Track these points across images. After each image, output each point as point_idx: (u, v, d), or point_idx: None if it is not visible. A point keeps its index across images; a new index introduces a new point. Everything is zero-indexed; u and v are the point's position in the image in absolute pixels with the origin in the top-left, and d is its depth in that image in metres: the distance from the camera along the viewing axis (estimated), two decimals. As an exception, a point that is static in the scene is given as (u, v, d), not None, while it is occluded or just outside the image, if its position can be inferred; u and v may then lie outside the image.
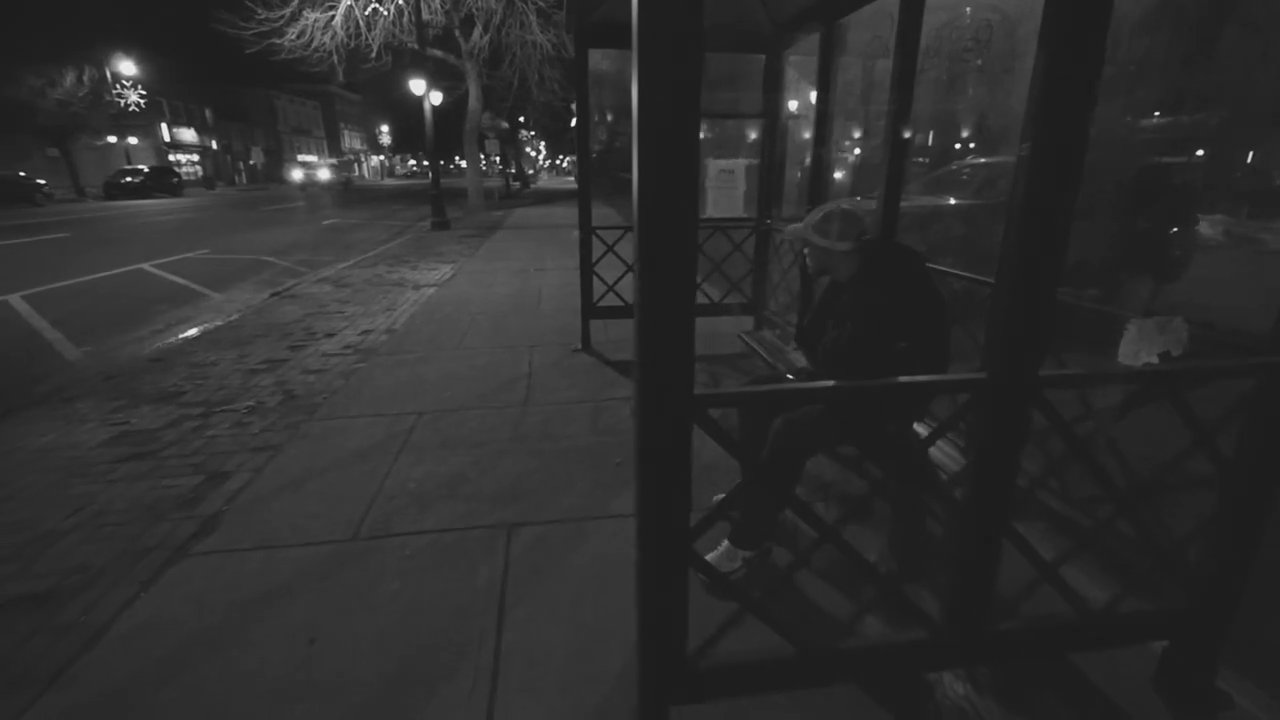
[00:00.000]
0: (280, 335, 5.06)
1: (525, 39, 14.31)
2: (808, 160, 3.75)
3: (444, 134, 19.55)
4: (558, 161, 72.16)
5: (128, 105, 32.03)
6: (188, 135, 41.73)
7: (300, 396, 3.69)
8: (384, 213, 19.34)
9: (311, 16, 12.73)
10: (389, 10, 13.16)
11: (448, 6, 13.17)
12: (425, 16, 12.61)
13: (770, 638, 1.32)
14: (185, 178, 34.86)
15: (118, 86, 31.55)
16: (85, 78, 29.12)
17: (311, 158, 54.74)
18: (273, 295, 6.68)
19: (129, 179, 27.77)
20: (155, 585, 2.04)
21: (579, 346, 4.57)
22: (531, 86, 15.85)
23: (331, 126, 62.67)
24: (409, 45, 13.35)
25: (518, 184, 31.03)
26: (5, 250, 10.82)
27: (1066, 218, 1.09)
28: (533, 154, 52.83)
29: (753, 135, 4.26)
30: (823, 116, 3.65)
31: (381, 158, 76.51)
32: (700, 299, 4.66)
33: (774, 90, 4.11)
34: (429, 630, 1.83)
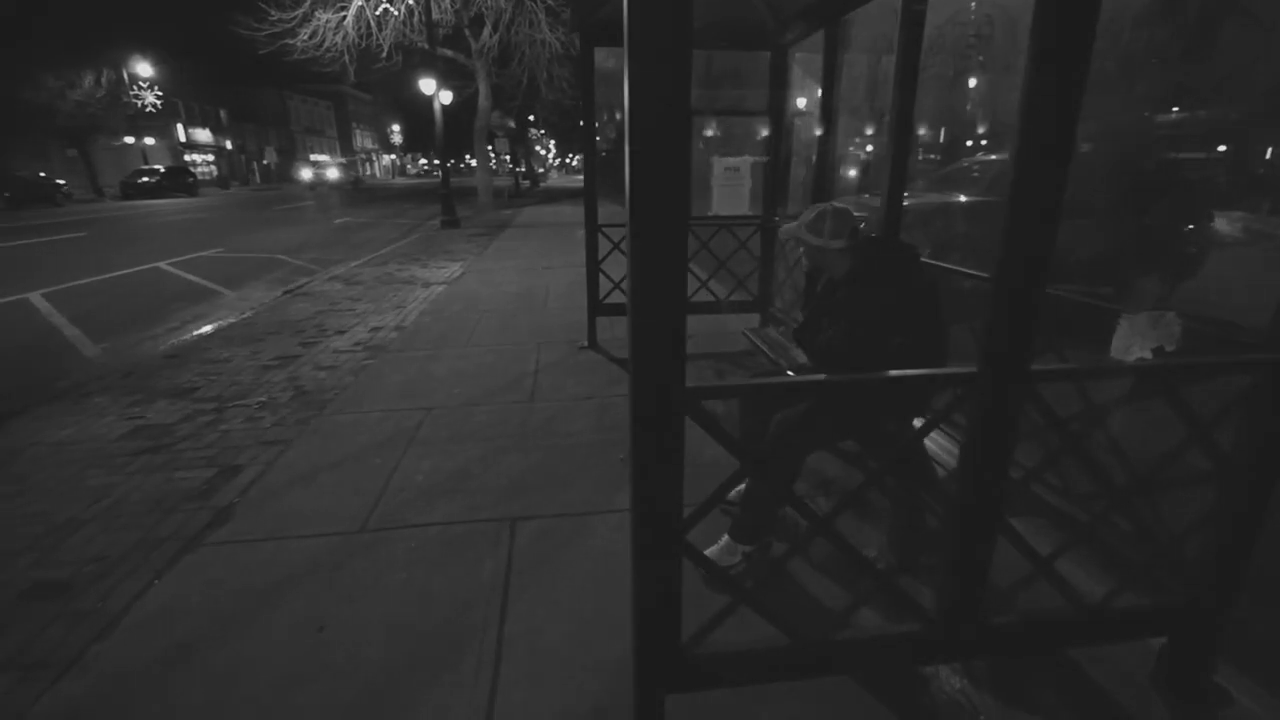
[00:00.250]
0: (292, 332, 5.14)
1: (534, 38, 14.38)
2: (814, 157, 3.75)
3: (454, 133, 19.66)
4: (567, 160, 72.29)
5: (144, 106, 32.48)
6: (203, 136, 42.25)
7: (311, 392, 3.75)
8: (394, 211, 19.50)
9: (323, 17, 12.85)
10: (400, 10, 13.27)
11: (457, 6, 13.25)
12: (435, 16, 12.70)
13: (768, 630, 1.35)
14: (200, 177, 35.31)
15: (135, 88, 32.01)
16: (103, 79, 29.58)
17: (324, 157, 55.20)
18: (285, 293, 6.78)
19: (145, 179, 28.20)
20: (170, 574, 2.10)
21: (585, 343, 4.60)
22: (540, 85, 15.92)
23: (344, 126, 63.17)
24: (419, 45, 13.46)
25: (527, 182, 31.15)
26: (26, 249, 11.04)
27: (1057, 214, 1.10)
28: (542, 152, 52.98)
29: (764, 132, 4.25)
30: (828, 113, 3.65)
31: (393, 157, 77.03)
32: (706, 296, 4.68)
33: (779, 87, 4.11)
34: (434, 619, 1.87)
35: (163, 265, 9.04)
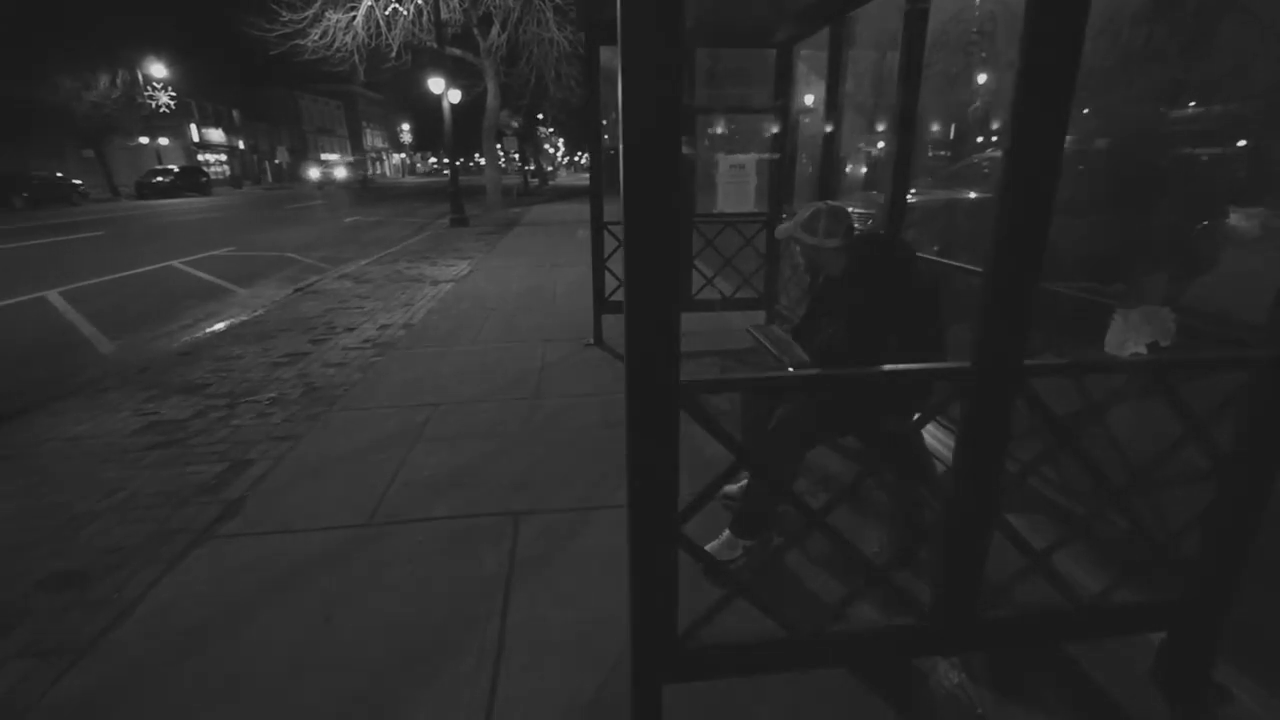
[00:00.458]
0: (302, 330, 5.20)
1: (542, 36, 14.40)
2: (820, 154, 3.75)
3: (463, 132, 19.74)
4: (576, 158, 72.33)
5: (158, 107, 32.89)
6: (216, 135, 42.72)
7: (320, 389, 3.81)
8: (404, 210, 19.63)
9: (333, 17, 12.95)
10: (409, 10, 13.33)
11: (466, 5, 13.29)
12: (444, 15, 12.76)
13: (766, 623, 1.36)
14: (213, 177, 35.68)
15: (149, 88, 32.41)
16: (118, 80, 29.97)
17: (334, 156, 55.64)
18: (295, 291, 6.86)
19: (160, 179, 28.58)
20: (182, 565, 2.15)
21: (591, 341, 4.63)
22: (549, 83, 15.94)
23: (354, 125, 63.60)
24: (428, 44, 13.52)
25: (536, 181, 31.22)
26: (44, 248, 11.23)
27: (1048, 210, 1.11)
28: (551, 151, 53.04)
29: (770, 130, 4.25)
30: (833, 111, 3.65)
31: (403, 155, 77.45)
32: (712, 294, 4.69)
33: (785, 85, 4.11)
34: (438, 611, 1.90)
35: (176, 264, 9.17)
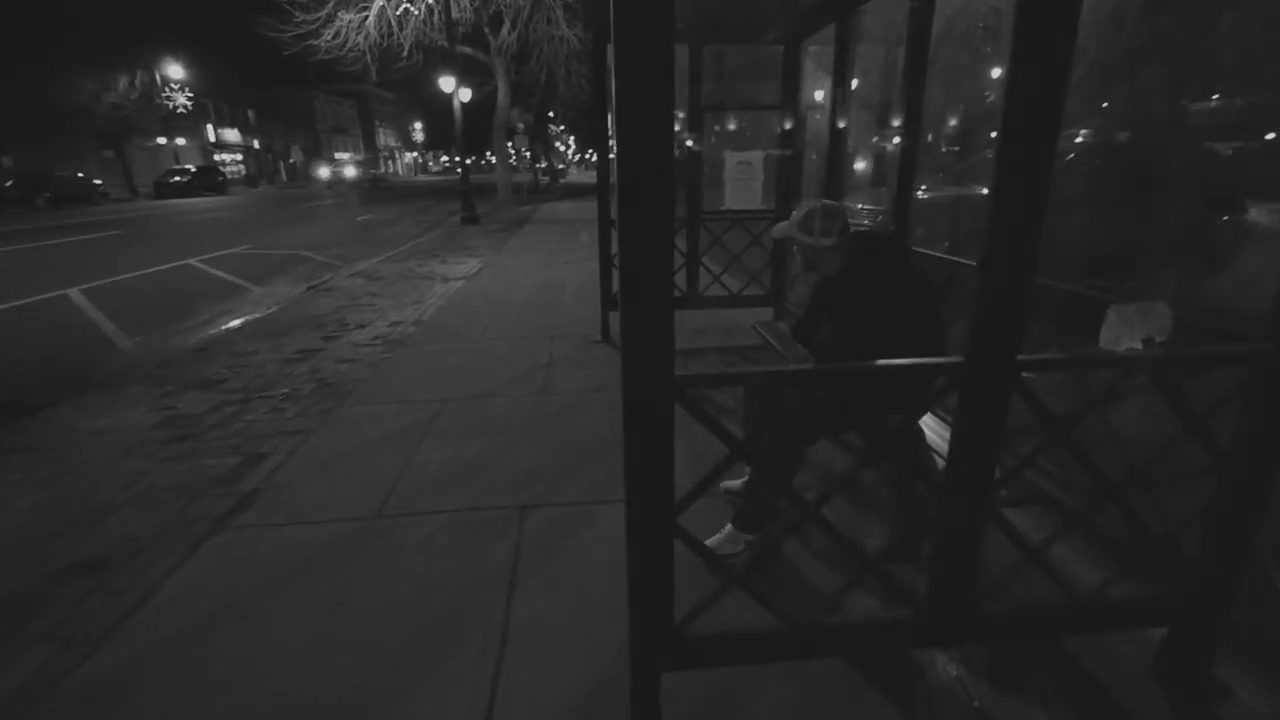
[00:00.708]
0: (315, 327, 5.29)
1: (552, 34, 14.44)
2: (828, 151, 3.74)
3: (474, 130, 19.88)
4: (587, 155, 72.34)
5: (176, 107, 33.37)
6: (232, 135, 43.26)
7: (332, 384, 3.87)
8: (416, 208, 19.79)
9: (346, 18, 13.07)
10: (420, 9, 13.42)
11: (476, 4, 13.37)
12: (455, 14, 12.84)
13: (766, 615, 1.39)
14: (229, 176, 36.19)
15: (167, 89, 32.89)
16: (137, 81, 30.46)
17: (348, 155, 56.11)
18: (309, 289, 6.96)
19: (177, 178, 29.07)
20: (197, 554, 2.21)
21: (599, 338, 4.66)
22: (559, 81, 15.99)
23: (367, 124, 64.12)
24: (439, 43, 13.60)
25: (546, 178, 31.31)
26: (65, 247, 11.48)
27: (1042, 205, 1.11)
28: (562, 148, 53.12)
29: (779, 127, 4.24)
30: (840, 107, 3.64)
31: (415, 154, 77.94)
32: (719, 291, 4.70)
33: (792, 81, 4.10)
34: (444, 601, 1.95)
35: (193, 262, 9.33)
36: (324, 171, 45.07)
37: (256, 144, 46.40)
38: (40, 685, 1.67)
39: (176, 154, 36.02)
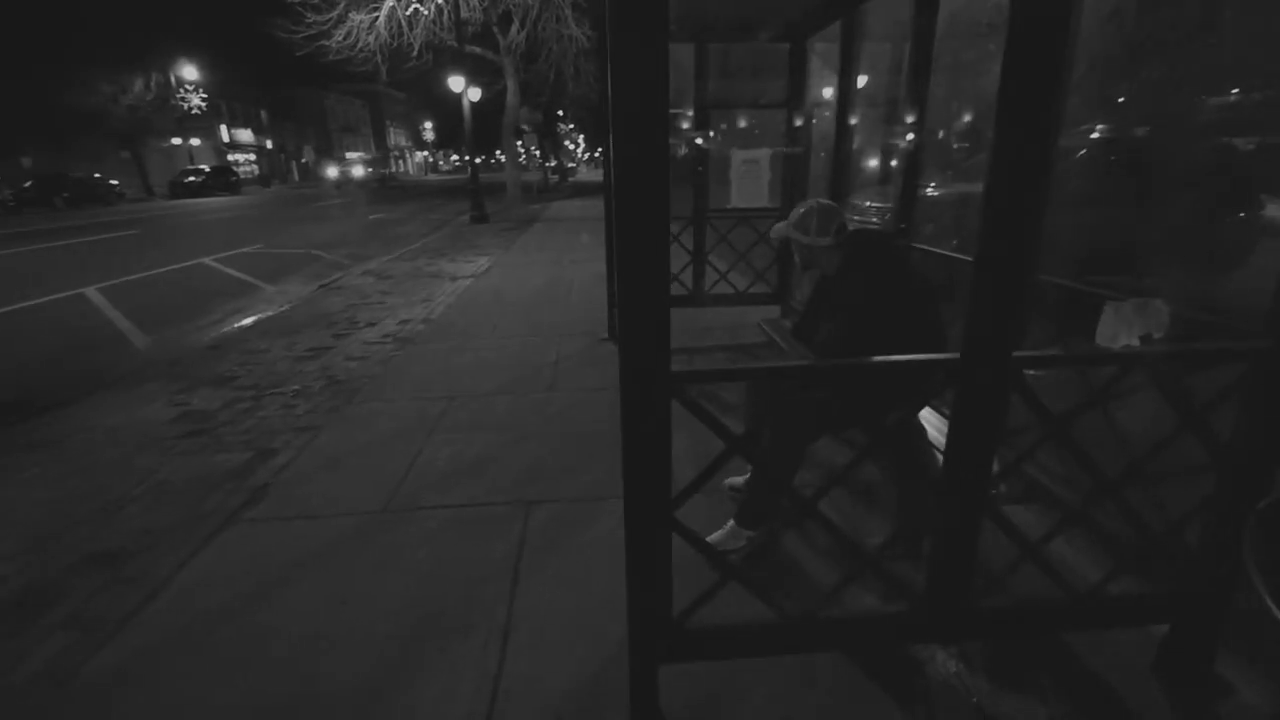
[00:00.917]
0: (326, 325, 5.35)
1: (561, 33, 14.46)
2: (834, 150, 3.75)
3: (484, 129, 19.93)
4: (597, 154, 72.33)
5: (190, 108, 33.78)
6: (245, 136, 43.71)
7: (342, 381, 3.93)
8: (426, 207, 19.91)
9: (357, 18, 13.16)
10: (429, 9, 13.50)
11: (485, 3, 13.41)
12: (464, 14, 12.89)
13: (765, 610, 1.40)
14: (243, 176, 36.61)
15: (181, 91, 33.30)
16: (152, 83, 30.87)
17: (359, 154, 56.49)
18: (320, 287, 7.04)
19: (192, 178, 29.45)
20: (209, 547, 2.26)
21: (605, 336, 4.68)
22: (568, 80, 16.00)
23: (378, 124, 64.50)
24: (449, 43, 13.67)
25: (556, 177, 31.38)
26: (83, 246, 11.68)
27: (1037, 202, 1.12)
28: (571, 147, 53.17)
29: (785, 124, 4.25)
30: (845, 104, 3.64)
31: (425, 153, 78.32)
32: (726, 289, 4.70)
33: (798, 79, 4.10)
34: (449, 594, 1.98)
35: (207, 261, 9.46)
36: (332, 171, 45.42)
37: (269, 144, 46.83)
38: (62, 669, 1.72)
39: (191, 154, 36.46)
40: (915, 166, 2.88)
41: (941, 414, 2.40)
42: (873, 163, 6.94)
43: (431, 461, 2.85)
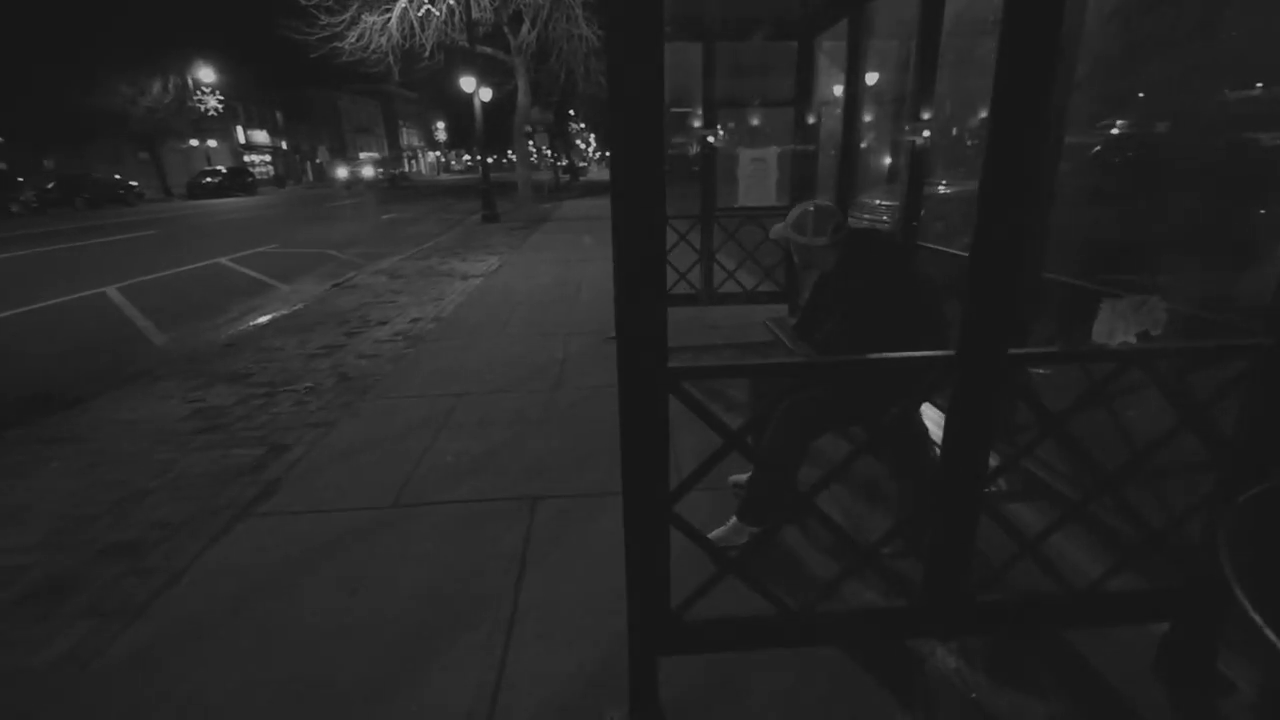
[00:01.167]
0: (338, 323, 5.43)
1: (572, 33, 14.50)
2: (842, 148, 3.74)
3: (495, 129, 20.05)
4: (607, 153, 72.13)
5: (207, 110, 34.28)
6: (260, 137, 44.27)
7: (354, 379, 3.99)
8: (438, 206, 20.07)
9: (369, 20, 13.29)
10: (441, 10, 13.59)
11: (496, 4, 13.49)
12: (475, 15, 12.98)
13: (764, 604, 1.42)
14: (258, 177, 37.09)
15: (198, 93, 33.80)
16: (170, 86, 31.35)
17: (373, 154, 56.93)
18: (333, 286, 7.14)
19: (209, 179, 29.91)
20: (224, 539, 2.32)
21: (613, 335, 4.70)
22: (579, 79, 16.04)
23: (391, 124, 64.98)
24: (460, 43, 13.77)
25: (567, 176, 31.46)
26: (103, 246, 11.92)
27: (1031, 199, 1.13)
28: (582, 146, 53.26)
29: (806, 121, 4.24)
30: (853, 102, 3.63)
31: (437, 153, 78.81)
32: (733, 288, 4.71)
33: (806, 77, 4.10)
34: (456, 586, 2.02)
35: (223, 260, 9.62)
36: (341, 172, 45.82)
37: (284, 145, 47.38)
38: (84, 653, 1.79)
39: (208, 155, 37.00)
40: (922, 164, 2.88)
41: (943, 410, 2.40)
42: (883, 160, 6.91)
43: (440, 457, 2.90)
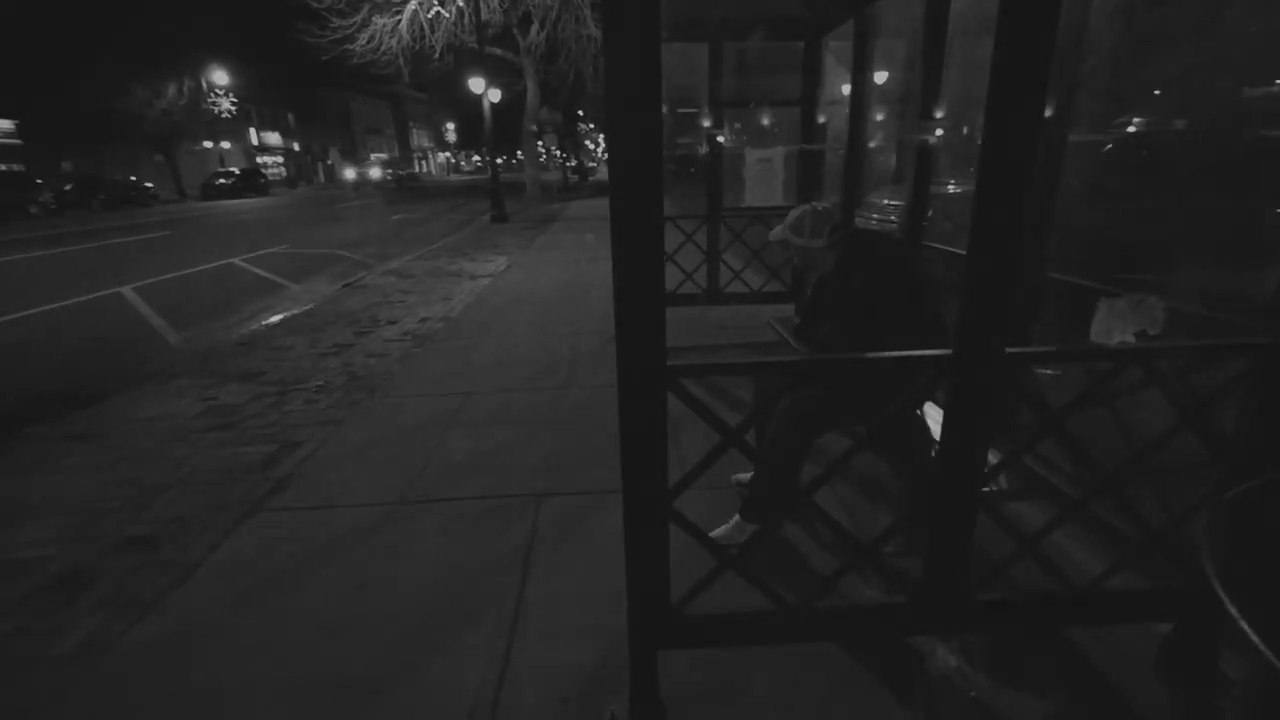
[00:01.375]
0: (348, 322, 5.50)
1: (580, 33, 14.55)
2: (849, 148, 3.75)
3: (504, 129, 20.15)
4: (615, 153, 71.97)
5: (221, 112, 34.65)
6: (273, 138, 44.71)
7: (363, 377, 4.05)
8: (447, 207, 20.20)
9: (380, 22, 13.42)
10: (450, 12, 13.69)
11: (505, 5, 13.57)
12: (484, 16, 13.06)
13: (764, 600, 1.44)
14: (271, 178, 37.46)
15: (212, 95, 34.18)
16: (184, 88, 31.75)
17: (383, 156, 57.34)
18: (343, 286, 7.21)
19: (223, 181, 30.28)
20: (236, 533, 2.37)
21: (620, 333, 4.72)
22: (587, 80, 16.10)
23: (401, 125, 65.39)
24: (470, 45, 13.86)
25: (576, 176, 31.55)
26: (120, 247, 12.10)
27: (1026, 197, 1.14)
28: (591, 146, 53.36)
29: (822, 119, 4.24)
30: (860, 101, 3.64)
31: (447, 154, 79.21)
32: (740, 288, 4.72)
33: (813, 77, 4.10)
34: (461, 582, 2.05)
35: (236, 261, 9.75)
36: (349, 173, 46.17)
37: (296, 146, 47.82)
38: (101, 642, 1.84)
39: (222, 157, 37.42)
40: (928, 163, 2.88)
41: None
42: (892, 159, 6.88)
43: (448, 455, 2.93)
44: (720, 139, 4.51)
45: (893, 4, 3.48)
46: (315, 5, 12.93)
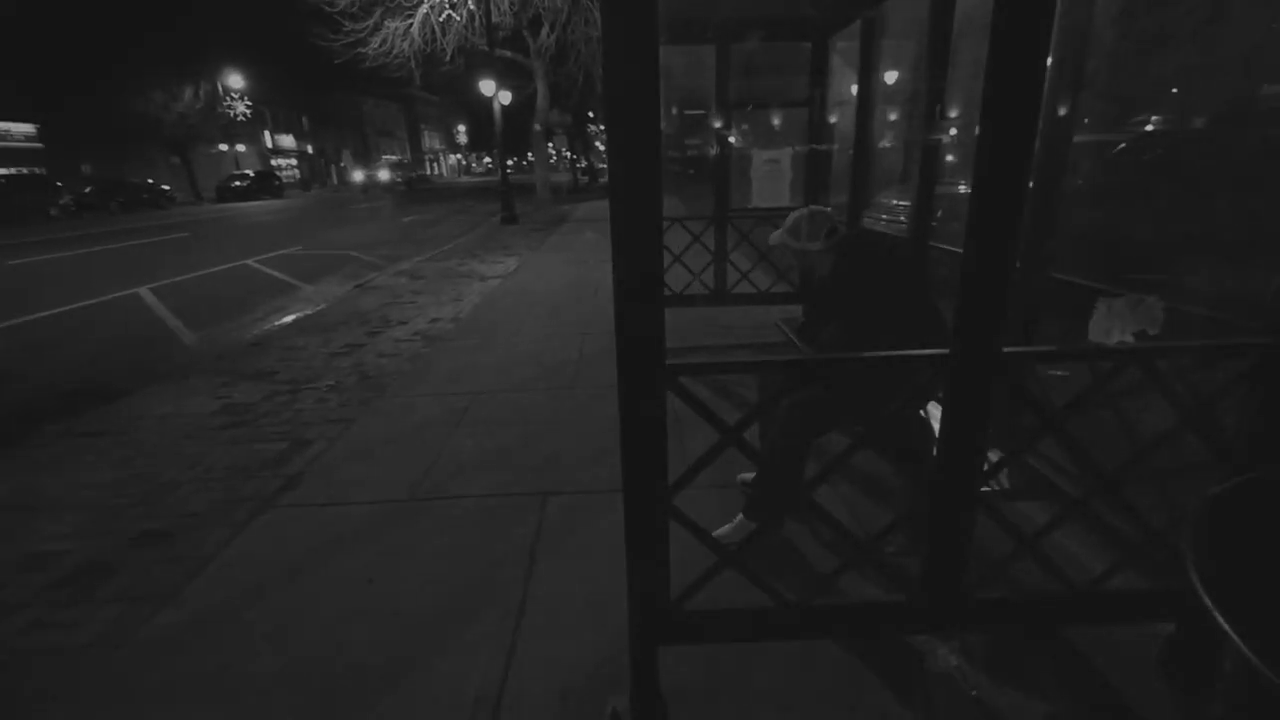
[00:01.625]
0: (360, 323, 5.57)
1: (590, 35, 14.60)
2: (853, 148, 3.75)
3: (514, 131, 20.27)
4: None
5: (236, 116, 35.15)
6: (287, 141, 45.23)
7: (373, 377, 4.10)
8: (458, 208, 20.34)
9: (392, 25, 13.55)
10: (461, 15, 13.80)
11: (516, 8, 13.65)
12: (495, 19, 13.14)
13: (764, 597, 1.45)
14: (285, 180, 37.89)
15: (228, 98, 34.68)
16: (200, 92, 32.23)
17: (395, 157, 57.79)
18: (355, 287, 7.30)
19: (238, 183, 30.69)
20: (248, 529, 2.42)
21: (628, 334, 4.74)
22: (597, 81, 16.15)
23: (413, 127, 65.91)
24: (480, 47, 13.96)
25: (586, 178, 31.63)
26: (137, 249, 12.31)
27: (1023, 196, 1.15)
28: (601, 148, 53.41)
29: (834, 119, 4.25)
30: (866, 102, 3.64)
31: (458, 156, 79.72)
32: (748, 289, 4.73)
33: (820, 78, 4.10)
34: (468, 577, 2.08)
35: (250, 262, 9.88)
36: (358, 175, 46.56)
37: (310, 149, 48.34)
38: (117, 634, 1.89)
39: (237, 160, 37.92)
40: (935, 163, 2.88)
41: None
42: (900, 160, 6.86)
43: (456, 453, 2.97)
44: (731, 139, 4.52)
45: (900, 4, 3.48)
46: (329, 9, 13.08)
